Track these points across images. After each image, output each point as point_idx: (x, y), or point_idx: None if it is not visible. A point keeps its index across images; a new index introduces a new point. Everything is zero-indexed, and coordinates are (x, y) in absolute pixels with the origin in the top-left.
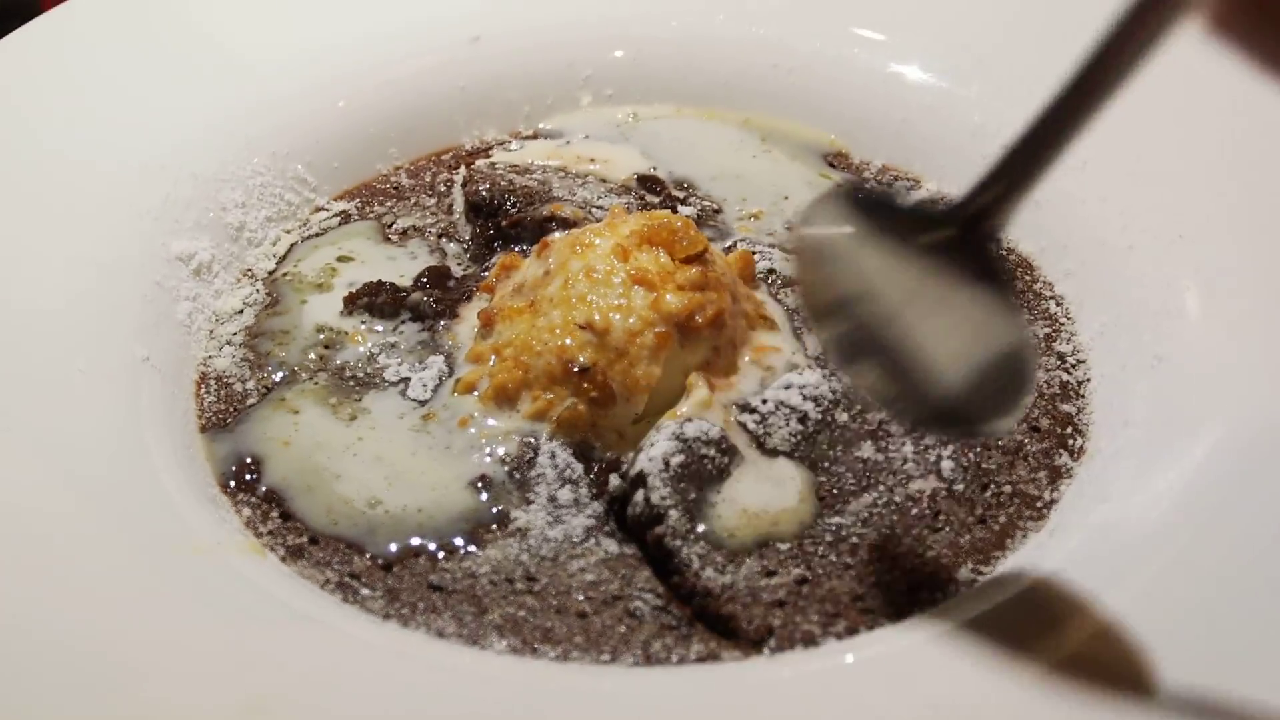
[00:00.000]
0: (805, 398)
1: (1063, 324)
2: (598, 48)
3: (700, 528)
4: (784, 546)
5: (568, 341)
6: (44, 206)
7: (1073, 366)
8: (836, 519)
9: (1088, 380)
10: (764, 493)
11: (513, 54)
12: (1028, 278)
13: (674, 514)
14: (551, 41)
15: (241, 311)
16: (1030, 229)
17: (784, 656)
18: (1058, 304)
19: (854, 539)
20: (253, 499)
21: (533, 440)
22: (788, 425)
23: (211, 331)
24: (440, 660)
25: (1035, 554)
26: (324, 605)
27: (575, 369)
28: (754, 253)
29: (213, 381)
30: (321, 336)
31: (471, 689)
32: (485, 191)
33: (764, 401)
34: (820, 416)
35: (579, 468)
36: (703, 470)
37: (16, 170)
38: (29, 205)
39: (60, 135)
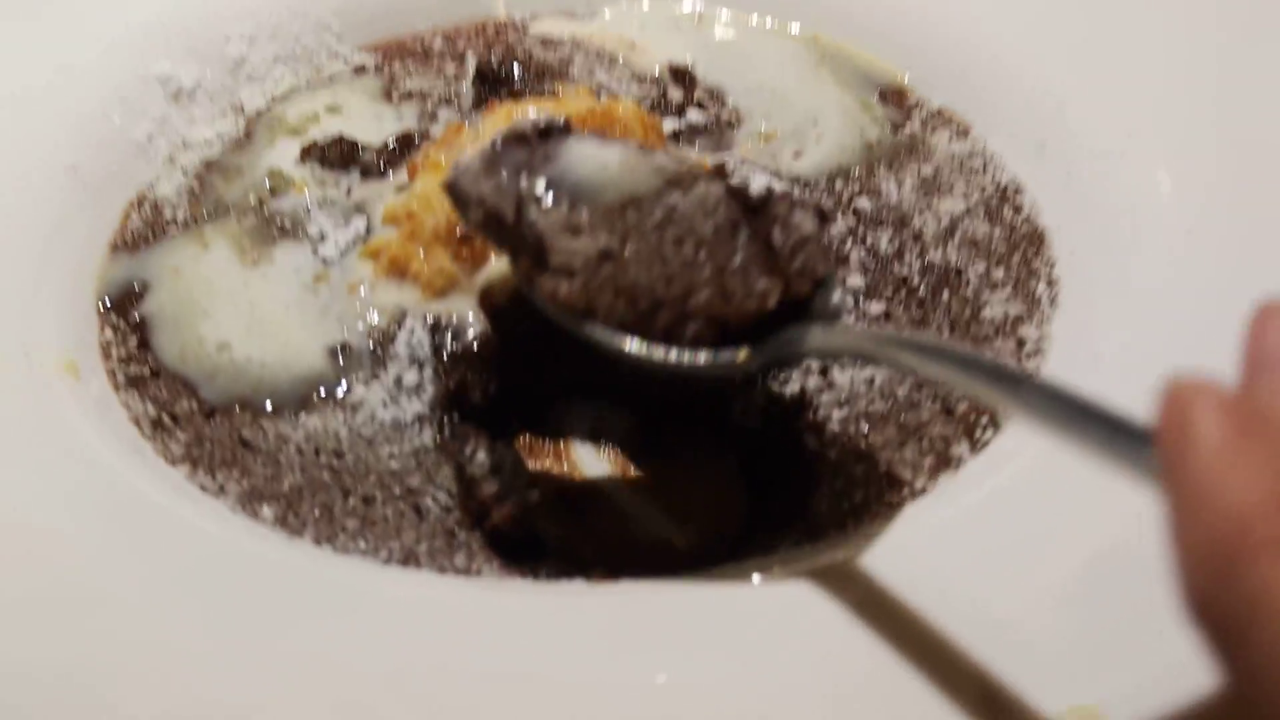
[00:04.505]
0: None
1: (1042, 309)
2: None
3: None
4: None
5: None
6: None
7: (1027, 356)
8: None
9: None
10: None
11: None
12: (1030, 251)
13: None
14: None
15: (211, 143)
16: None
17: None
18: (1049, 284)
19: None
20: (121, 323)
21: (404, 316)
22: None
23: (172, 157)
24: (179, 511)
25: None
26: (115, 436)
27: (459, 232)
28: (731, 170)
29: (148, 206)
30: (269, 182)
31: (191, 543)
32: (497, 60)
33: None
34: None
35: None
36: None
37: None
38: None
39: None
